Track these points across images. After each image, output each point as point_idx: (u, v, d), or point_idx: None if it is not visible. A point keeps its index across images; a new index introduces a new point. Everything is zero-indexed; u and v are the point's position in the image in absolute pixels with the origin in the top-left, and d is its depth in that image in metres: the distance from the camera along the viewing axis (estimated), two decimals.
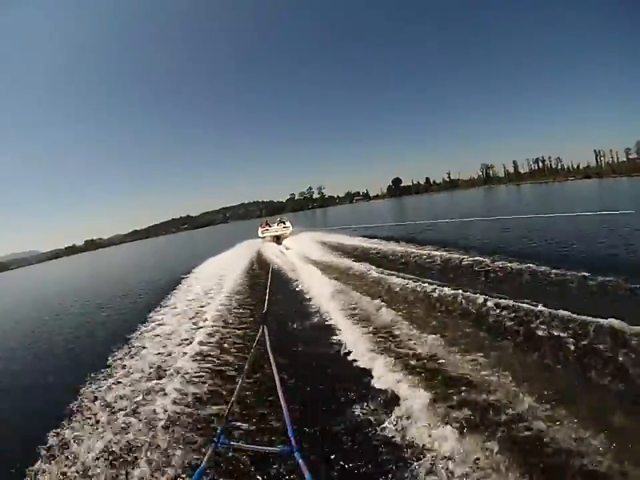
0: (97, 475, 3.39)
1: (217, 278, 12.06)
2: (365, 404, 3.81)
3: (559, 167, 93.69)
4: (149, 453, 3.48)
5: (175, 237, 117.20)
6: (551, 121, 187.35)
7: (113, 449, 3.66)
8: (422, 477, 2.81)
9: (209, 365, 5.29)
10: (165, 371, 5.27)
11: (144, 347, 6.51)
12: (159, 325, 7.81)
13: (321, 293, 7.90)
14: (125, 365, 5.81)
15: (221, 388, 4.63)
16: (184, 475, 3.19)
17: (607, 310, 4.63)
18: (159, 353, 6.08)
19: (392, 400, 3.74)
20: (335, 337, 5.63)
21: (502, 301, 5.60)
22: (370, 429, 3.45)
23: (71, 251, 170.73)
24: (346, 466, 3.10)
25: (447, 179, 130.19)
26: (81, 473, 3.47)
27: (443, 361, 4.40)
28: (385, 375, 4.18)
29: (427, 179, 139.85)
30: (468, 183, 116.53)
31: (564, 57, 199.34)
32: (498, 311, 5.39)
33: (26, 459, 3.85)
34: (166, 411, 4.17)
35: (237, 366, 5.19)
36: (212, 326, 6.94)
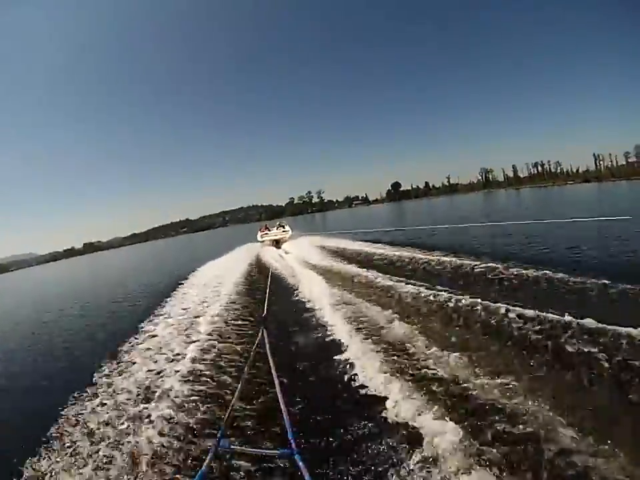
0: (95, 476, 3.37)
1: (216, 281, 12.04)
2: (366, 407, 3.81)
3: (558, 171, 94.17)
4: (148, 457, 3.46)
5: (174, 241, 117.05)
6: (551, 122, 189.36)
7: (112, 452, 3.65)
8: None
9: (208, 368, 5.28)
10: (164, 373, 5.26)
11: (150, 339, 6.72)
12: (159, 325, 7.84)
13: (320, 296, 7.91)
14: (122, 365, 5.85)
15: (220, 391, 4.62)
16: (185, 478, 3.19)
17: (636, 320, 4.36)
18: (157, 354, 6.09)
19: (395, 406, 3.71)
20: (334, 340, 5.64)
21: (525, 311, 5.18)
22: (370, 432, 3.45)
23: (70, 253, 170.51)
24: (346, 469, 3.09)
25: (447, 183, 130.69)
26: (79, 473, 3.46)
27: (462, 380, 4.01)
28: (383, 378, 4.16)
29: (427, 183, 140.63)
30: (467, 187, 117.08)
31: (564, 57, 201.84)
32: (521, 322, 4.97)
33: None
34: (165, 414, 4.15)
35: (236, 369, 5.18)
36: (211, 329, 6.93)
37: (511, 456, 2.96)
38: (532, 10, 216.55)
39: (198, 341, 6.38)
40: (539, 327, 4.77)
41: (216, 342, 6.30)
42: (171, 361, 5.66)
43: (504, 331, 4.98)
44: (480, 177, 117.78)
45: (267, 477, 3.13)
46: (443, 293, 6.73)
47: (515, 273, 7.59)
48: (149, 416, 4.15)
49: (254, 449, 3.31)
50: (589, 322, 4.45)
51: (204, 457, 3.06)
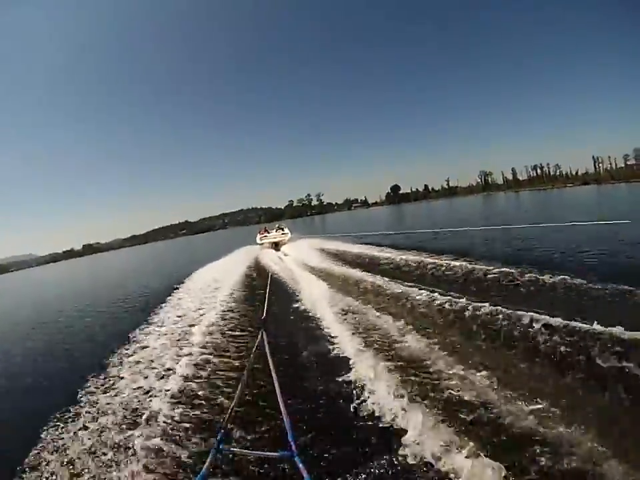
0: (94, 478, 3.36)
1: (216, 283, 12.04)
2: (366, 410, 3.80)
3: (558, 174, 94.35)
4: (148, 460, 3.45)
5: (173, 242, 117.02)
6: (550, 124, 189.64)
7: (111, 453, 3.63)
8: None
9: (208, 370, 5.27)
10: (163, 375, 5.24)
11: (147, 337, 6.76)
12: (159, 326, 7.87)
13: (320, 299, 7.93)
14: (120, 364, 5.88)
15: (220, 393, 4.60)
16: None
17: None
18: (156, 355, 6.09)
19: (395, 408, 3.70)
20: (333, 342, 5.63)
21: (551, 319, 4.84)
22: (371, 435, 3.44)
23: (69, 254, 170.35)
24: (346, 472, 3.08)
25: (446, 186, 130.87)
26: (72, 473, 3.46)
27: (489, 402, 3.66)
28: (384, 382, 4.14)
29: (426, 185, 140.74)
30: (466, 190, 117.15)
31: (563, 58, 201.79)
32: (548, 333, 4.62)
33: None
34: (164, 416, 4.13)
35: (236, 371, 5.17)
36: (211, 331, 6.92)
37: None
38: (532, 10, 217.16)
39: (197, 342, 6.36)
40: (569, 338, 4.42)
41: (216, 344, 6.30)
42: (170, 362, 5.63)
43: (531, 344, 4.63)
44: (479, 180, 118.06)
45: (267, 479, 3.12)
46: (458, 299, 6.42)
47: (531, 278, 7.20)
48: (147, 418, 4.13)
49: (254, 451, 3.32)
50: (619, 331, 4.20)
51: (204, 459, 3.03)
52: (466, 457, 2.92)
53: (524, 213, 26.91)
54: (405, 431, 3.34)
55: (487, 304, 5.88)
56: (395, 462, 3.05)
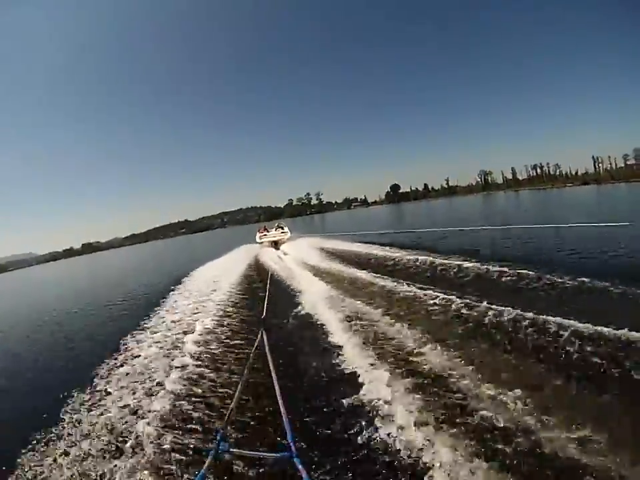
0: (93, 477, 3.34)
1: (215, 282, 12.02)
2: (366, 411, 3.77)
3: (557, 173, 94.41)
4: (147, 460, 3.43)
5: (172, 241, 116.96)
6: (550, 124, 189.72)
7: (109, 453, 3.62)
8: None
9: (207, 370, 5.24)
10: (162, 375, 5.20)
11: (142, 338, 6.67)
12: (157, 324, 7.85)
13: (320, 299, 7.88)
14: (117, 363, 5.86)
15: (219, 394, 4.58)
16: None
17: None
18: (155, 353, 6.07)
19: (395, 409, 3.68)
20: (334, 342, 5.60)
21: (579, 325, 4.51)
22: (370, 436, 3.41)
23: (69, 253, 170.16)
24: (346, 472, 3.07)
25: (445, 186, 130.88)
26: (70, 474, 3.43)
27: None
28: (385, 383, 4.11)
29: (425, 185, 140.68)
30: (466, 190, 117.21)
31: (563, 58, 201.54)
32: (578, 343, 4.29)
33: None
34: (164, 415, 4.11)
35: (235, 371, 5.15)
36: (210, 330, 6.90)
37: None
38: (532, 10, 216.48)
39: (196, 342, 6.32)
40: (607, 349, 4.08)
41: (215, 344, 6.27)
42: (169, 362, 5.59)
43: (562, 356, 4.26)
44: (479, 179, 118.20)
45: (266, 479, 3.11)
46: (469, 301, 6.11)
47: (550, 281, 6.75)
48: (145, 419, 4.10)
49: (253, 452, 3.30)
50: None
51: (203, 460, 3.04)
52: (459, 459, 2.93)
53: (523, 213, 26.85)
54: (404, 432, 3.30)
55: (510, 309, 5.46)
56: (395, 464, 3.02)
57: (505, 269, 7.99)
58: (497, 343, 4.82)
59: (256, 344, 5.36)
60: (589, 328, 4.48)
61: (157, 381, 5.05)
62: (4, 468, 3.78)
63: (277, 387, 3.70)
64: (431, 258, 10.28)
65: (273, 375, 4.05)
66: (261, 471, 3.19)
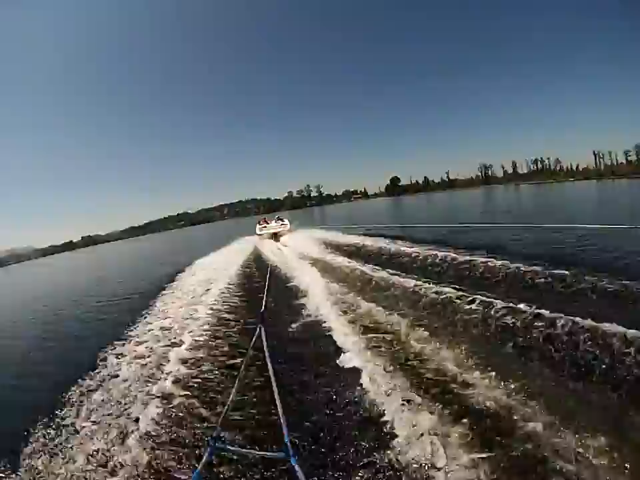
0: (84, 476, 3.26)
1: (214, 274, 11.95)
2: (365, 411, 3.69)
3: (558, 168, 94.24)
4: (144, 457, 3.36)
5: (172, 234, 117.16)
6: (551, 119, 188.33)
7: (106, 452, 3.52)
8: None
9: (203, 366, 5.12)
10: (156, 372, 5.08)
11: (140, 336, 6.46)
12: (156, 319, 7.71)
13: (320, 293, 7.77)
14: (116, 361, 5.66)
15: (216, 390, 4.47)
16: (181, 478, 3.10)
17: None
18: (151, 349, 5.90)
19: (394, 408, 3.59)
20: (334, 339, 5.46)
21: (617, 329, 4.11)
22: (369, 436, 3.33)
23: (68, 247, 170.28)
24: (342, 475, 2.99)
25: (446, 179, 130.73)
26: (66, 472, 3.34)
27: None
28: (386, 384, 4.00)
29: (426, 178, 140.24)
30: (466, 183, 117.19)
31: (564, 55, 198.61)
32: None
33: None
34: (160, 413, 4.02)
35: (233, 367, 5.02)
36: (206, 325, 6.78)
37: None
38: (534, 4, 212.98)
39: (193, 336, 6.21)
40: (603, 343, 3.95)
41: (212, 339, 6.15)
42: (164, 359, 5.46)
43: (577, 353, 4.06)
44: (479, 173, 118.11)
45: (263, 479, 3.05)
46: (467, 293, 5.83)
47: (591, 284, 5.95)
48: (142, 416, 4.01)
49: (250, 451, 3.24)
50: None
51: (200, 457, 3.07)
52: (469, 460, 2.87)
53: (525, 209, 26.62)
54: (404, 433, 3.23)
55: (561, 315, 4.75)
56: (393, 465, 2.95)
57: (536, 268, 7.11)
58: (510, 342, 4.64)
59: (254, 340, 5.26)
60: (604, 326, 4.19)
61: (152, 376, 4.94)
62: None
63: (274, 385, 3.64)
64: (433, 251, 9.91)
65: (271, 372, 3.97)
66: (257, 469, 3.13)
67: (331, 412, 3.80)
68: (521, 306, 5.10)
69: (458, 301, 5.86)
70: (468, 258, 8.63)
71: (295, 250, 15.58)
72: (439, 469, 2.81)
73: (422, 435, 3.15)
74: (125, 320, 7.94)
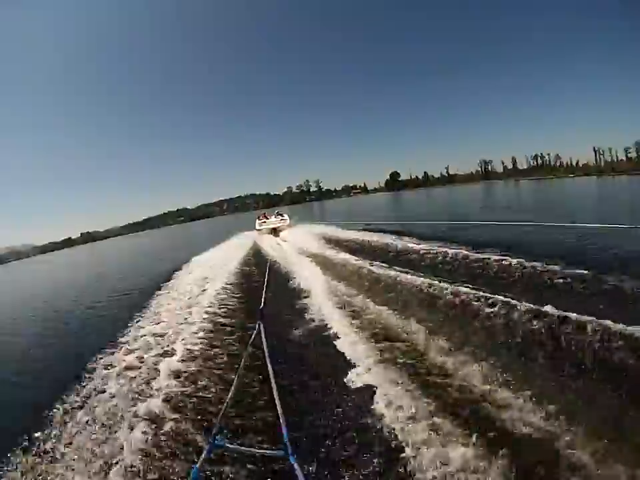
0: (84, 473, 3.24)
1: (213, 270, 11.91)
2: (365, 409, 3.67)
3: (558, 164, 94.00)
4: (142, 454, 3.35)
5: (171, 229, 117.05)
6: (551, 114, 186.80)
7: (104, 450, 3.49)
8: None
9: (202, 363, 5.10)
10: (155, 369, 5.04)
11: (137, 335, 6.38)
12: (150, 316, 7.67)
13: (319, 288, 7.76)
14: (114, 359, 5.61)
15: (215, 387, 4.46)
16: (179, 476, 3.09)
17: None
18: (148, 348, 5.86)
19: (394, 408, 3.58)
20: (334, 336, 5.44)
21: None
22: (368, 435, 3.33)
23: (68, 243, 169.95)
24: (341, 473, 2.98)
25: (445, 174, 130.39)
26: (65, 470, 3.31)
27: None
28: (386, 382, 3.98)
29: (425, 173, 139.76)
30: (466, 178, 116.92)
31: (564, 51, 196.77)
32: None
33: None
34: (159, 410, 4.00)
35: (232, 365, 5.00)
36: (205, 321, 6.75)
37: None
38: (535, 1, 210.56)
39: (191, 333, 6.17)
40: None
41: (210, 335, 6.12)
42: (162, 356, 5.43)
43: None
44: (479, 168, 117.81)
45: (261, 477, 3.04)
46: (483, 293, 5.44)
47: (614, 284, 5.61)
48: (141, 412, 3.99)
49: (249, 449, 3.24)
50: None
51: (199, 454, 3.06)
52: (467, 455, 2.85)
53: (524, 206, 26.50)
54: (404, 432, 3.22)
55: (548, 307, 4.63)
56: (392, 463, 2.95)
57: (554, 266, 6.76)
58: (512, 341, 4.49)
59: (253, 337, 5.24)
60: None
61: (150, 373, 4.92)
62: None
63: (273, 382, 3.63)
64: (443, 248, 9.54)
65: (270, 369, 3.96)
66: (256, 467, 3.13)
67: (330, 410, 3.79)
68: (547, 308, 4.53)
69: (477, 303, 5.29)
70: (481, 256, 8.09)
71: (295, 245, 15.56)
72: (438, 468, 2.79)
73: (423, 431, 3.15)
74: (125, 317, 7.92)
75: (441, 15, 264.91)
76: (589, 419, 3.05)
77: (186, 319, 7.04)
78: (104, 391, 4.60)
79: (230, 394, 3.61)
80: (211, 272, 11.57)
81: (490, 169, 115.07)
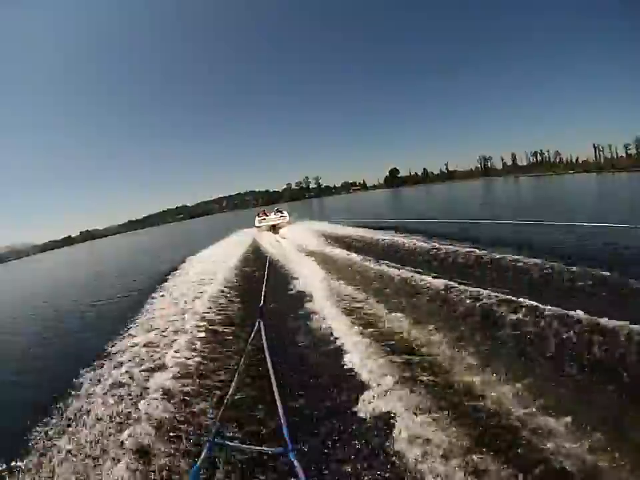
0: (84, 472, 3.23)
1: (212, 268, 11.87)
2: (365, 407, 3.66)
3: (558, 161, 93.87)
4: (142, 452, 3.34)
5: (171, 227, 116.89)
6: (551, 112, 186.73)
7: (104, 448, 3.48)
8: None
9: (202, 361, 5.10)
10: (154, 366, 5.03)
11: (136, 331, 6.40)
12: (148, 314, 7.71)
13: (319, 286, 7.72)
14: (112, 358, 5.60)
15: (215, 385, 4.45)
16: (179, 473, 3.08)
17: None
18: (147, 346, 5.84)
19: (393, 405, 3.56)
20: (334, 333, 5.41)
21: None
22: (368, 432, 3.33)
23: (67, 242, 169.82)
24: (341, 469, 2.98)
25: (445, 170, 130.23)
26: (65, 468, 3.31)
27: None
28: (386, 379, 3.96)
29: (425, 169, 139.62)
30: (465, 174, 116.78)
31: (563, 53, 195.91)
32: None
33: None
34: (158, 408, 3.98)
35: (232, 362, 5.00)
36: (204, 320, 6.73)
37: None
38: None
39: (190, 331, 6.15)
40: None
41: (210, 333, 6.11)
42: (161, 355, 5.39)
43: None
44: (479, 165, 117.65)
45: (262, 474, 3.04)
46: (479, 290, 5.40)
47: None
48: (140, 409, 3.98)
49: (249, 446, 3.24)
50: None
51: (199, 452, 3.08)
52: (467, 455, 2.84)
53: (524, 204, 26.38)
54: (404, 430, 3.20)
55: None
56: (392, 460, 2.94)
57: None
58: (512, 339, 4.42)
59: (253, 334, 5.23)
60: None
61: (150, 370, 4.91)
62: None
63: (273, 380, 3.63)
64: (438, 245, 9.49)
65: (270, 366, 3.96)
66: (256, 464, 3.12)
67: (330, 407, 3.79)
68: (579, 313, 4.19)
69: (501, 310, 4.84)
70: (497, 255, 7.66)
71: (294, 242, 15.53)
72: (436, 465, 2.79)
73: (423, 430, 3.13)
74: (125, 315, 7.92)
75: (440, 14, 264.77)
76: (589, 418, 3.03)
77: (185, 316, 7.01)
78: (104, 389, 4.59)
79: (230, 391, 3.61)
80: (210, 269, 11.54)
81: (489, 165, 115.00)
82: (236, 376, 4.04)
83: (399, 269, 7.88)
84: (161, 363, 5.10)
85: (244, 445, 3.23)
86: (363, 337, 5.05)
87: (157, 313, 7.68)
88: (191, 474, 2.57)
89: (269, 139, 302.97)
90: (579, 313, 4.22)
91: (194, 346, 5.55)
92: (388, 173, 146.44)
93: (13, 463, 3.54)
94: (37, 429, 3.97)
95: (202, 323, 6.50)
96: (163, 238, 52.36)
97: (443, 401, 3.52)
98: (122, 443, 3.48)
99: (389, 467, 2.90)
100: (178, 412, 3.93)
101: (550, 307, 4.51)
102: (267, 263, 11.55)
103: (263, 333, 5.16)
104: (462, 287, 5.87)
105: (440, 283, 6.27)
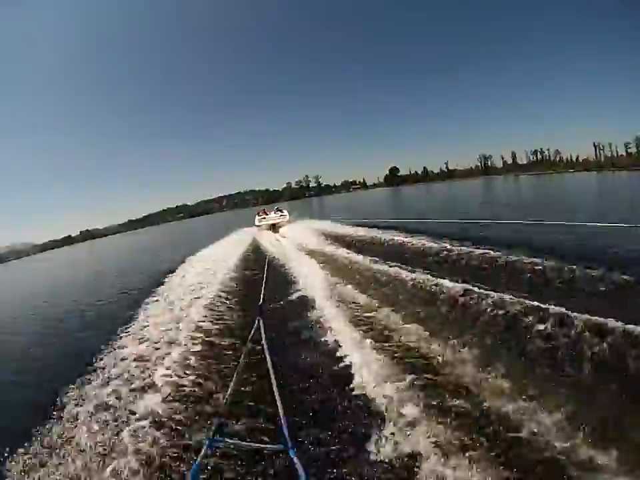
0: (87, 470, 3.24)
1: (212, 266, 11.91)
2: (364, 405, 3.68)
3: (558, 159, 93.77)
4: (143, 450, 3.35)
5: (171, 226, 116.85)
6: (551, 110, 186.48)
7: (105, 447, 3.50)
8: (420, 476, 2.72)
9: (202, 359, 5.12)
10: (154, 363, 5.06)
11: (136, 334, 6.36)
12: (151, 312, 7.69)
13: (319, 285, 7.73)
14: (111, 358, 5.59)
15: (215, 383, 4.47)
16: (180, 471, 3.10)
17: None
18: (148, 346, 5.84)
19: (393, 402, 3.58)
20: (333, 332, 5.42)
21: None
22: (368, 430, 3.32)
23: (68, 241, 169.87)
24: (341, 466, 2.99)
25: (445, 169, 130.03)
26: (65, 468, 3.31)
27: None
28: (385, 378, 3.98)
29: (425, 168, 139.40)
30: (466, 173, 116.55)
31: (563, 52, 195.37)
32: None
33: None
34: (159, 406, 4.01)
35: (231, 360, 5.01)
36: (204, 317, 6.75)
37: None
38: None
39: (190, 329, 6.17)
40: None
41: (209, 331, 6.13)
42: (162, 354, 5.40)
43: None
44: (479, 163, 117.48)
45: (262, 472, 3.05)
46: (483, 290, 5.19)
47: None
48: (141, 406, 4.02)
49: (249, 443, 3.25)
50: None
51: (199, 449, 3.08)
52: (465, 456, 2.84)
53: (525, 203, 26.33)
54: (403, 428, 3.22)
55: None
56: (391, 457, 2.95)
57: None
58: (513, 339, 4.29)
59: (252, 332, 5.23)
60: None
61: (150, 369, 4.93)
62: None
63: (273, 378, 3.63)
64: (438, 244, 9.39)
65: (270, 364, 3.97)
66: (256, 462, 3.13)
67: (330, 404, 3.80)
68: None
69: (527, 319, 4.39)
70: (513, 258, 7.21)
71: (294, 241, 15.51)
72: (434, 463, 2.81)
73: (423, 429, 3.15)
74: (125, 314, 7.94)
75: (440, 14, 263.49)
76: (589, 418, 3.02)
77: (185, 314, 7.04)
78: (104, 388, 4.61)
79: (229, 389, 3.62)
80: (210, 268, 11.57)
81: (490, 164, 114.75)
82: (236, 374, 4.04)
83: (400, 267, 7.70)
84: (160, 360, 5.12)
85: (244, 442, 3.24)
86: (362, 334, 5.08)
87: (156, 310, 7.74)
88: (191, 471, 2.56)
89: (269, 139, 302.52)
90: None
91: (194, 345, 5.55)
92: (388, 172, 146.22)
93: (13, 463, 3.54)
94: (37, 428, 3.96)
95: (202, 322, 6.51)
96: (163, 237, 52.36)
97: (446, 404, 3.48)
98: (122, 442, 3.48)
99: (388, 463, 2.91)
100: (178, 409, 3.94)
101: (580, 316, 3.99)
102: (267, 262, 11.54)
103: (262, 331, 5.16)
104: (482, 291, 5.29)
105: (458, 287, 5.66)
